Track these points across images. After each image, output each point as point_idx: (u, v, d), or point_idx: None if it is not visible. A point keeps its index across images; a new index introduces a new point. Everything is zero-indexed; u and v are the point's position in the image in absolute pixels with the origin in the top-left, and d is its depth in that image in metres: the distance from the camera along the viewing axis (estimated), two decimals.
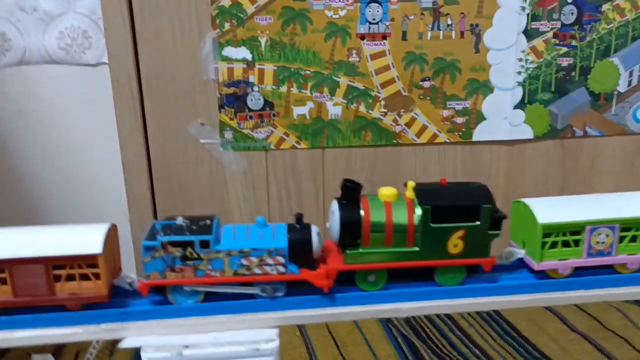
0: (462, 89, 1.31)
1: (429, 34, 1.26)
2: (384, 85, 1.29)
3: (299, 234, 0.73)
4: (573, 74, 1.32)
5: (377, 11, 1.23)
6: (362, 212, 0.72)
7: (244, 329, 0.73)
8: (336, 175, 1.34)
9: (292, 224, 0.73)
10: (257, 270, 0.72)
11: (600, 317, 1.37)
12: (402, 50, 1.27)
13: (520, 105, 1.33)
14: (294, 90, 1.28)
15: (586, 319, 1.37)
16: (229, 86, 1.26)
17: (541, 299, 0.78)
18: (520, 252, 0.79)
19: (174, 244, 0.70)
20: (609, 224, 0.77)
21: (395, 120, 1.32)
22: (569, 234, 0.77)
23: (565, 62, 1.31)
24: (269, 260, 0.71)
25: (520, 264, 0.81)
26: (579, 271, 0.79)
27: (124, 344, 0.71)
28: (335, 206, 0.74)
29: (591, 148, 1.39)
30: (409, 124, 1.32)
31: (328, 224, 0.76)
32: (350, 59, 1.26)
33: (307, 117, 1.29)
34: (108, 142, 1.29)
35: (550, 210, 0.77)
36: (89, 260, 0.68)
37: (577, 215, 0.77)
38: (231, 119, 1.28)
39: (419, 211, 0.73)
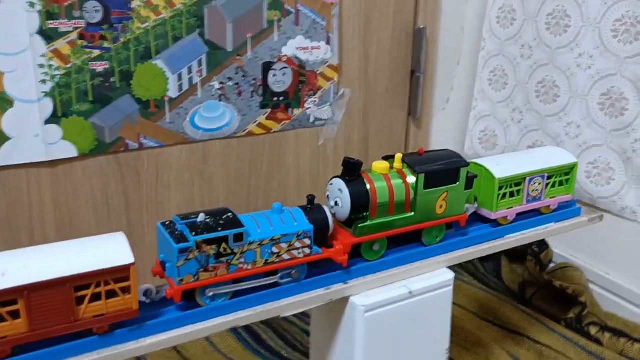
0: None
1: None
2: None
3: (317, 215, 0.74)
4: (113, 79, 1.16)
5: None
6: (368, 186, 0.76)
7: None
8: None
9: (304, 206, 0.74)
10: (285, 256, 0.71)
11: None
12: None
13: (53, 119, 1.12)
14: None
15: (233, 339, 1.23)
16: None
17: (502, 244, 0.91)
18: (474, 207, 0.91)
19: (209, 241, 0.66)
20: (540, 173, 0.93)
21: None
22: (513, 186, 0.90)
23: (100, 66, 1.14)
24: (297, 244, 0.71)
25: (475, 217, 0.92)
26: (519, 216, 0.93)
27: None
28: (341, 184, 0.76)
29: (152, 161, 1.25)
30: None
31: (332, 202, 0.78)
32: None
33: None
34: None
35: (500, 167, 0.89)
36: (119, 274, 0.62)
37: (520, 169, 0.90)
38: None
39: (411, 179, 0.79)
